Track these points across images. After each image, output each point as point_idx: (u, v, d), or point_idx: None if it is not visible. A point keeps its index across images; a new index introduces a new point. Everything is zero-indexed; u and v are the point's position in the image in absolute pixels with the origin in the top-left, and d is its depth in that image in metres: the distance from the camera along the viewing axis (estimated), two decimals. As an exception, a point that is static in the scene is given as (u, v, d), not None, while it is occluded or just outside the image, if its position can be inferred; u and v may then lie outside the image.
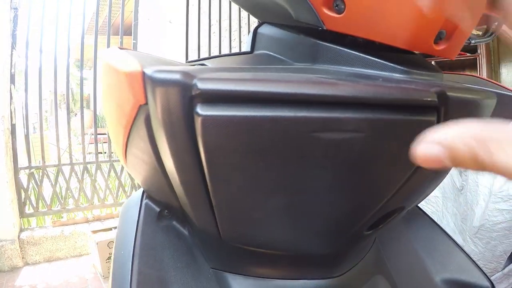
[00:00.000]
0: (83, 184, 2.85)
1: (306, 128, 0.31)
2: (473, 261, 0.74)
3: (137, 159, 0.44)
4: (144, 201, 0.56)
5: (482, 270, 0.74)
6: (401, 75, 0.38)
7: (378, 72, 0.38)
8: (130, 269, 0.49)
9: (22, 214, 2.70)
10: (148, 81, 0.30)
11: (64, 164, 2.78)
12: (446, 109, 0.33)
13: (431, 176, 0.44)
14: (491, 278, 1.63)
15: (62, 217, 2.93)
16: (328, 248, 0.47)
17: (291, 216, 0.40)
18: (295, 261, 0.51)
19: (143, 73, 0.30)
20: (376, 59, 0.38)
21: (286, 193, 0.37)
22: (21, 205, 2.68)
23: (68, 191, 2.82)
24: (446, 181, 1.80)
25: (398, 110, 0.33)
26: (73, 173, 2.81)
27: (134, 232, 0.53)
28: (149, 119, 0.34)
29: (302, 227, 0.42)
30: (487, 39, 0.64)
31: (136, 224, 0.54)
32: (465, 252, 0.74)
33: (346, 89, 0.31)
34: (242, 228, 0.43)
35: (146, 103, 0.32)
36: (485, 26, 0.65)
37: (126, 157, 0.46)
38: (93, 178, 2.89)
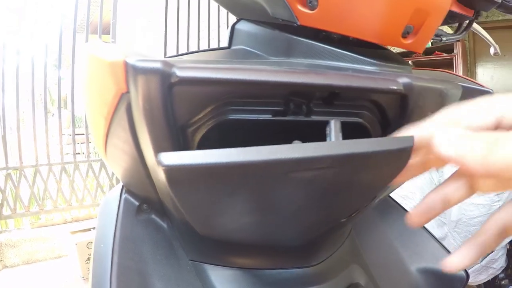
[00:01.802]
0: (61, 185, 2.82)
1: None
2: (448, 250, 0.76)
3: (117, 150, 0.45)
4: (124, 196, 0.57)
5: None
6: (371, 67, 0.39)
7: (349, 64, 0.40)
8: (110, 262, 0.49)
9: (-1, 216, 2.66)
10: (130, 70, 0.31)
11: (41, 165, 2.75)
12: (411, 96, 0.35)
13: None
14: (470, 270, 1.67)
15: (40, 219, 2.89)
16: (302, 240, 0.48)
17: (265, 216, 0.42)
18: (272, 251, 0.52)
19: (126, 62, 0.31)
20: (347, 53, 0.40)
21: (259, 200, 0.38)
22: (-1, 207, 2.63)
23: (46, 192, 2.79)
24: (424, 176, 1.83)
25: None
26: (51, 174, 2.77)
27: (114, 225, 0.53)
28: (130, 108, 0.34)
29: (276, 223, 0.43)
30: (458, 36, 0.66)
31: (115, 218, 0.54)
32: (439, 242, 0.77)
33: (316, 77, 0.33)
34: (216, 226, 0.44)
35: (128, 92, 0.33)
36: (456, 24, 0.67)
37: (106, 149, 0.47)
38: (71, 178, 2.85)
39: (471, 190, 0.32)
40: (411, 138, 0.29)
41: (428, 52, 4.27)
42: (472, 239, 0.31)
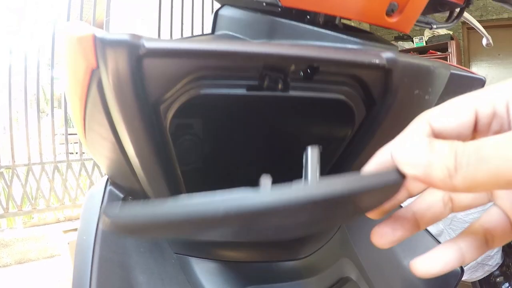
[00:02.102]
0: (53, 184, 2.80)
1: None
2: None
3: (95, 136, 0.43)
4: (108, 188, 0.55)
5: None
6: (355, 46, 0.38)
7: (332, 44, 0.39)
8: (91, 254, 0.48)
9: (-9, 215, 2.63)
10: (98, 43, 0.30)
11: (34, 164, 2.72)
12: (396, 71, 0.34)
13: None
14: (466, 267, 1.65)
15: (32, 218, 2.86)
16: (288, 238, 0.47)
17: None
18: (259, 244, 0.51)
19: (94, 36, 0.30)
20: (331, 32, 0.39)
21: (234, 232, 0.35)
22: (-9, 207, 2.61)
23: (39, 191, 2.76)
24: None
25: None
26: (43, 173, 2.75)
27: (97, 218, 0.52)
28: (102, 85, 0.33)
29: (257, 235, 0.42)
30: (449, 24, 0.65)
31: (99, 210, 0.53)
32: (433, 236, 0.75)
33: (292, 49, 0.31)
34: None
35: (98, 67, 0.31)
36: (447, 12, 0.66)
37: (85, 135, 0.45)
38: (64, 177, 2.83)
39: (446, 207, 0.28)
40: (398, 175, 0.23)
41: (422, 51, 4.27)
42: (452, 241, 0.27)
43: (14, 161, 2.65)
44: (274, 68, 0.33)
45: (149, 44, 0.29)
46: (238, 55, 0.30)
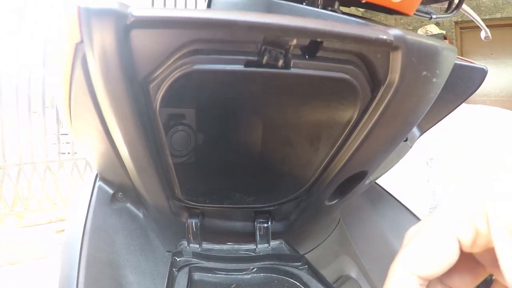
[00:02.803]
0: (45, 184, 2.76)
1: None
2: None
3: (82, 124, 0.41)
4: (97, 183, 0.53)
5: None
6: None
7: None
8: (79, 253, 0.45)
9: (-17, 216, 2.59)
10: (83, 14, 0.27)
11: (25, 163, 2.69)
12: (403, 49, 0.31)
13: (385, 138, 0.41)
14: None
15: (24, 218, 2.83)
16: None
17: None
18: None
19: (79, 7, 0.27)
20: (331, 13, 0.37)
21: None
22: (-18, 207, 2.57)
23: (30, 191, 2.73)
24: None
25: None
26: (35, 173, 2.71)
27: (85, 215, 0.49)
28: (86, 61, 0.30)
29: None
30: (449, 15, 0.64)
31: (87, 206, 0.51)
32: None
33: (294, 21, 0.28)
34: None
35: (82, 41, 0.29)
36: (447, 3, 0.65)
37: (72, 124, 0.42)
38: (55, 176, 2.80)
39: None
40: None
41: (416, 49, 4.26)
42: None
43: (5, 161, 2.62)
44: (274, 43, 0.30)
45: (137, 13, 0.27)
46: (236, 26, 0.28)
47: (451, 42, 4.40)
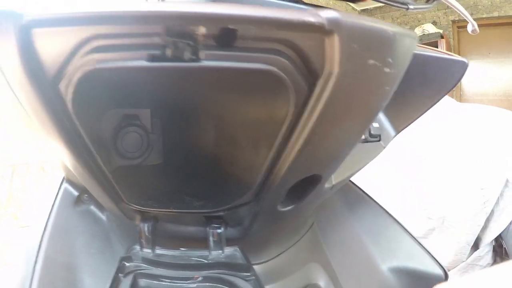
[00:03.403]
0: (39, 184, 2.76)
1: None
2: (424, 247, 0.70)
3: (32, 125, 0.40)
4: (63, 185, 0.53)
5: (434, 257, 0.69)
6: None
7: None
8: (36, 254, 0.45)
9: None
10: None
11: (20, 164, 2.69)
12: (340, 34, 0.27)
13: (334, 138, 0.37)
14: (456, 269, 1.62)
15: (18, 219, 2.83)
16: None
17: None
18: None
19: None
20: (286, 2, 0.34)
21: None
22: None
23: (24, 192, 2.73)
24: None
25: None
26: (28, 174, 2.72)
27: (47, 216, 0.49)
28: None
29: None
30: (427, 6, 0.60)
31: (50, 208, 0.50)
32: (415, 238, 0.70)
33: (195, 6, 0.25)
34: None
35: None
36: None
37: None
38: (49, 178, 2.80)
39: None
40: None
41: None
42: None
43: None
44: (180, 34, 0.27)
45: (31, 13, 0.26)
46: (129, 18, 0.26)
47: (448, 41, 4.35)
